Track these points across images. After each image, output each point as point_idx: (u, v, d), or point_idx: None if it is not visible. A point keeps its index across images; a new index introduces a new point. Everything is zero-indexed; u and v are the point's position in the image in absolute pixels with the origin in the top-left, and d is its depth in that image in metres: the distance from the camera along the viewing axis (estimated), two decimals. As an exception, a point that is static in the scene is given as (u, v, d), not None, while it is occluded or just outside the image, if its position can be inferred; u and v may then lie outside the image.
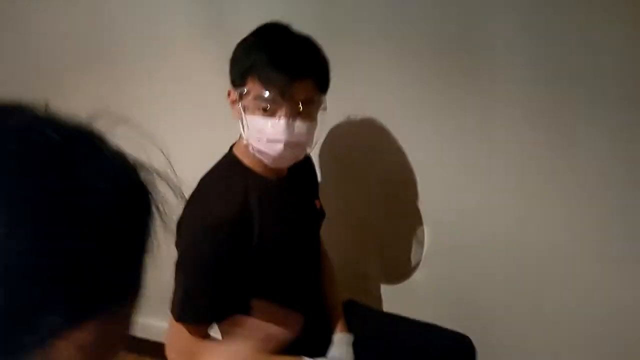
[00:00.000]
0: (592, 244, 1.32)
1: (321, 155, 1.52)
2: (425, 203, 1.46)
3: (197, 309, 1.09)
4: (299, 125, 1.07)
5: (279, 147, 1.06)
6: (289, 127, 1.05)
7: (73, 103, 0.46)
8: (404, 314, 1.41)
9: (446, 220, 1.46)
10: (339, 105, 1.42)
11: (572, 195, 1.29)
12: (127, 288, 0.44)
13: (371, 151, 1.49)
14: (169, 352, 1.13)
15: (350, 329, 1.33)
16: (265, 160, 1.12)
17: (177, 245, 1.07)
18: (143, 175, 0.44)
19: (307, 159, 1.31)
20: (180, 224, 1.07)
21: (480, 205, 1.40)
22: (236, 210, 1.08)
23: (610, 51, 1.14)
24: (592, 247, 1.33)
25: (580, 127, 1.23)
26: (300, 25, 1.13)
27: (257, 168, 1.14)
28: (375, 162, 1.50)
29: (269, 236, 1.11)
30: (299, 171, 1.24)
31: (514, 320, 1.48)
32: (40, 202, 0.37)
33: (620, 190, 1.24)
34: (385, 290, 1.63)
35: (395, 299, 1.60)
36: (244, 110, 1.07)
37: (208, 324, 1.12)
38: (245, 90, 1.06)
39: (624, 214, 1.25)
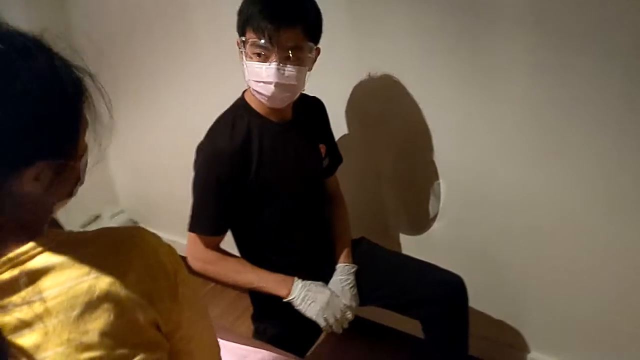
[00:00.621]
0: (602, 197, 1.37)
1: (347, 110, 1.63)
2: (442, 156, 1.55)
3: (203, 221, 1.34)
4: (289, 69, 1.22)
5: (271, 88, 1.23)
6: (279, 70, 1.21)
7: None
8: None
9: (461, 174, 1.54)
10: (361, 61, 1.53)
11: (580, 152, 1.34)
12: (62, 147, 0.67)
13: (391, 105, 1.57)
14: (189, 259, 1.35)
15: (354, 260, 1.47)
16: (263, 101, 1.28)
17: (194, 168, 1.32)
18: (78, 73, 0.68)
19: (320, 106, 1.47)
20: (197, 150, 1.31)
21: (495, 160, 1.47)
22: (237, 144, 1.28)
23: (615, 3, 1.17)
24: (602, 200, 1.37)
25: (590, 89, 1.26)
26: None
27: (261, 111, 1.32)
28: (395, 116, 1.59)
29: (265, 170, 1.31)
30: (306, 116, 1.40)
31: (522, 273, 1.56)
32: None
33: (628, 142, 1.28)
34: (403, 238, 1.75)
35: (410, 246, 1.72)
36: (245, 57, 1.24)
37: (213, 235, 1.35)
38: (244, 38, 1.22)
39: (633, 166, 1.29)
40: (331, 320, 1.32)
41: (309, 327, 1.43)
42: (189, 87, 1.98)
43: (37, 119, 0.63)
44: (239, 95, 1.38)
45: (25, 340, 0.63)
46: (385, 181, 1.71)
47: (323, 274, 1.44)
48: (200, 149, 1.32)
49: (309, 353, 1.55)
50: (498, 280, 1.62)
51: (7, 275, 0.63)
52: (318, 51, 1.31)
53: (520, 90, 1.36)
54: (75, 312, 0.64)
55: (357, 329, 1.99)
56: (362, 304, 1.52)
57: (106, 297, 0.65)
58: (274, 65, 1.20)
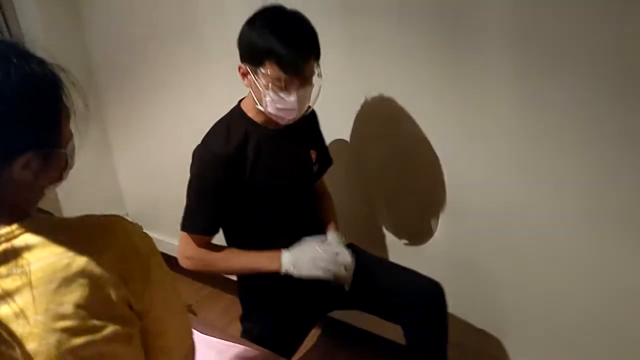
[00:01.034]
0: (586, 208, 1.40)
1: (340, 120, 1.70)
2: (430, 166, 1.60)
3: (197, 221, 1.41)
4: (305, 91, 1.31)
5: (294, 112, 1.32)
6: (300, 97, 1.30)
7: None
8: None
9: (448, 184, 1.59)
10: (356, 73, 1.61)
11: (564, 164, 1.38)
12: (47, 138, 0.75)
13: (382, 117, 1.64)
14: (179, 258, 1.45)
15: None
16: (280, 121, 1.37)
17: (190, 170, 1.40)
18: (53, 70, 0.75)
19: (312, 114, 1.53)
20: (193, 154, 1.39)
21: (481, 171, 1.52)
22: (232, 149, 1.36)
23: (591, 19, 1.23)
24: (586, 211, 1.41)
25: (572, 102, 1.31)
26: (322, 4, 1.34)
27: (258, 119, 1.40)
28: (385, 126, 1.65)
29: (259, 175, 1.39)
30: (299, 124, 1.45)
31: (505, 282, 1.61)
32: None
33: (612, 152, 1.31)
34: (390, 245, 1.80)
35: (396, 253, 1.78)
36: (262, 87, 1.29)
37: (206, 235, 1.42)
38: (264, 71, 1.27)
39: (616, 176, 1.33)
40: (331, 268, 1.35)
41: (294, 327, 1.51)
42: (197, 96, 2.06)
43: (18, 115, 0.71)
44: None
45: (6, 309, 0.69)
46: (375, 189, 1.77)
47: None
48: (196, 153, 1.40)
49: (297, 357, 1.60)
50: (480, 289, 1.66)
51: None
52: None
53: (505, 104, 1.41)
54: (53, 285, 0.71)
55: (344, 336, 2.06)
56: (345, 307, 1.60)
57: (82, 274, 0.72)
58: (294, 95, 1.29)
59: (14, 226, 0.72)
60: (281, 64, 1.25)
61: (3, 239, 0.71)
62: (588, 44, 1.24)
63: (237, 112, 1.43)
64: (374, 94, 1.60)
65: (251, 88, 1.35)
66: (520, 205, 1.49)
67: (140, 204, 2.58)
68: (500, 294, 1.64)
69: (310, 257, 1.35)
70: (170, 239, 2.51)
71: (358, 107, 1.66)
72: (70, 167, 0.82)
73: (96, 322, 0.73)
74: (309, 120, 1.54)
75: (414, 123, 1.57)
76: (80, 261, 0.72)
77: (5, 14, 2.10)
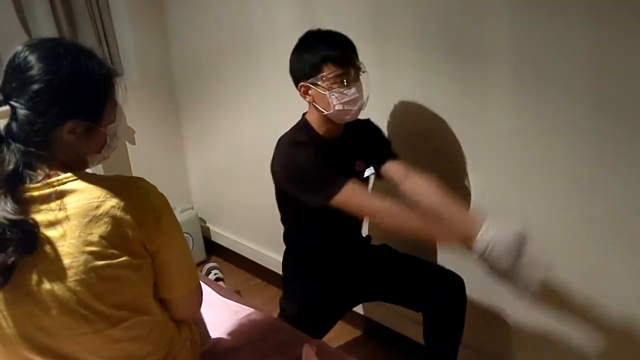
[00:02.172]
0: (575, 209, 1.50)
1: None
2: (440, 166, 1.70)
3: (329, 185, 1.44)
4: (359, 84, 1.51)
5: (358, 102, 1.50)
6: (357, 88, 1.49)
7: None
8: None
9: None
10: (381, 90, 1.79)
11: (555, 171, 1.49)
12: (89, 114, 1.01)
13: (410, 118, 1.81)
14: (378, 221, 1.53)
15: (376, 266, 1.71)
16: (347, 117, 1.51)
17: (280, 166, 1.52)
18: (108, 67, 1.05)
19: (367, 124, 1.71)
20: (271, 167, 1.55)
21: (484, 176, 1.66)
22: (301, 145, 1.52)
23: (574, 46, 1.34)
24: (575, 212, 1.51)
25: (562, 120, 1.43)
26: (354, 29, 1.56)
27: (320, 130, 1.58)
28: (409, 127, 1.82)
29: None
30: (354, 136, 1.64)
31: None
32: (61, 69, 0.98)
33: (596, 164, 1.41)
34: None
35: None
36: (325, 90, 1.47)
37: (345, 186, 1.43)
38: (324, 74, 1.46)
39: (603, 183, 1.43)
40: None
41: (327, 312, 1.71)
42: (257, 108, 2.32)
43: (74, 90, 0.99)
44: (297, 115, 1.65)
45: (52, 233, 0.95)
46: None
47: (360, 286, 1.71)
48: (280, 147, 1.54)
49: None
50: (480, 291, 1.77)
51: (46, 191, 0.96)
52: None
53: (505, 120, 1.55)
54: (85, 220, 0.96)
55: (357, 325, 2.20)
56: (373, 299, 1.81)
57: (107, 214, 0.97)
58: (353, 86, 1.48)
59: (62, 175, 0.98)
60: (336, 62, 1.46)
61: (54, 183, 0.97)
62: (576, 62, 1.36)
63: (302, 123, 1.61)
64: (398, 99, 1.79)
65: (314, 101, 1.52)
66: (515, 207, 1.60)
67: (205, 201, 2.90)
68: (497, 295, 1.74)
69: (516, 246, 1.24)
70: (229, 233, 2.81)
71: (388, 111, 1.83)
72: (111, 147, 1.08)
73: (114, 251, 0.97)
74: (365, 131, 1.69)
75: (431, 124, 1.72)
76: (106, 205, 0.97)
77: (106, 31, 2.50)
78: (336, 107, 1.48)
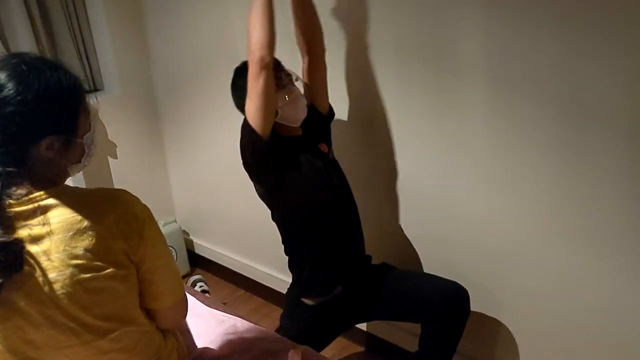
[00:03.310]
0: (549, 223, 1.56)
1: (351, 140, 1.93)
2: (418, 184, 1.81)
3: None
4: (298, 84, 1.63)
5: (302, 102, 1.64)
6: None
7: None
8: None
9: (436, 198, 1.78)
10: (357, 98, 1.84)
11: (531, 184, 1.55)
12: (65, 128, 1.00)
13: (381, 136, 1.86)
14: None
15: (377, 287, 1.73)
16: (295, 114, 1.63)
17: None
18: (75, 76, 1.03)
19: (324, 124, 1.78)
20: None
21: (463, 188, 1.71)
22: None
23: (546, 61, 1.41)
24: (550, 225, 1.57)
25: (535, 132, 1.49)
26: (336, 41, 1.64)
27: (283, 134, 1.65)
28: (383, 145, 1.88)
29: (296, 167, 1.63)
30: (309, 126, 1.71)
31: (488, 294, 1.76)
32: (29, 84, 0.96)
33: (571, 176, 1.48)
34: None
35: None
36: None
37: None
38: None
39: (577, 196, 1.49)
40: None
41: (327, 332, 1.73)
42: (238, 121, 2.25)
43: (46, 107, 0.97)
44: None
45: (37, 248, 0.95)
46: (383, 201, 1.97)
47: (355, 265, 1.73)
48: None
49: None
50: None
51: (29, 206, 0.96)
52: None
53: (480, 134, 1.61)
54: (70, 234, 0.96)
55: (359, 341, 2.22)
56: (382, 318, 1.83)
57: (91, 227, 0.98)
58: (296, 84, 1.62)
59: (44, 191, 0.98)
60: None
61: (37, 198, 0.97)
62: (544, 76, 1.43)
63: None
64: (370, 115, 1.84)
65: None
66: (495, 218, 1.67)
67: (188, 214, 2.90)
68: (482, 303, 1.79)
69: None
70: (212, 245, 2.81)
71: (369, 119, 1.89)
72: (89, 155, 1.07)
73: (100, 264, 0.98)
74: (311, 119, 1.74)
75: (408, 148, 1.80)
76: (90, 219, 0.98)
77: (86, 46, 2.50)
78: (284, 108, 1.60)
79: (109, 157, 2.57)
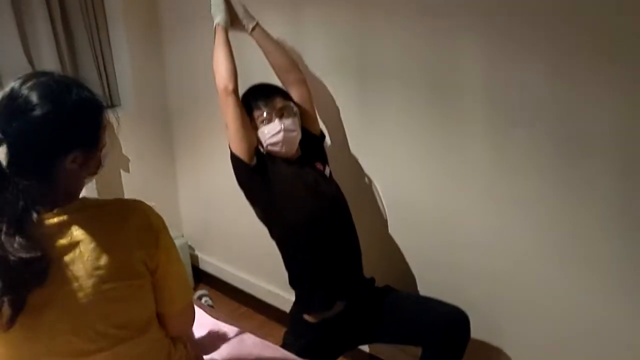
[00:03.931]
0: (546, 241, 1.62)
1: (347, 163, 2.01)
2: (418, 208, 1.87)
3: None
4: (285, 120, 1.72)
5: (280, 135, 1.72)
6: (280, 122, 1.73)
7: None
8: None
9: (436, 222, 1.84)
10: (358, 123, 1.92)
11: (527, 205, 1.62)
12: (89, 142, 1.06)
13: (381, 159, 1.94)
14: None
15: (380, 309, 1.77)
16: (278, 149, 1.72)
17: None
18: (100, 98, 1.09)
19: (318, 145, 1.89)
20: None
21: (461, 211, 1.77)
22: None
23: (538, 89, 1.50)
24: (547, 244, 1.62)
25: (528, 155, 1.56)
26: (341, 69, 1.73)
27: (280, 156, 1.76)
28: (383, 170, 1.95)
29: (283, 181, 1.73)
30: (306, 148, 1.83)
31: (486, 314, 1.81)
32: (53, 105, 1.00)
33: (566, 200, 1.55)
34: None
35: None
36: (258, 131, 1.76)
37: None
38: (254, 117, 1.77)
39: (572, 214, 1.55)
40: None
41: (330, 352, 1.77)
42: None
43: (74, 124, 1.03)
44: None
45: (61, 260, 1.00)
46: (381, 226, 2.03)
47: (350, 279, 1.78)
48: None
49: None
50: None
51: (56, 220, 1.01)
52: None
53: (478, 160, 1.69)
54: (92, 245, 1.01)
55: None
56: (377, 340, 1.87)
57: (111, 239, 1.02)
58: (276, 119, 1.72)
59: (67, 206, 1.03)
60: (256, 105, 1.77)
61: (62, 213, 1.02)
62: (537, 104, 1.51)
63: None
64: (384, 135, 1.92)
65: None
66: (493, 239, 1.72)
67: (195, 230, 2.96)
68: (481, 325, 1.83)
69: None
70: (217, 261, 2.86)
71: (373, 143, 1.96)
72: (103, 167, 1.13)
73: (120, 274, 1.03)
74: (315, 148, 1.87)
75: (408, 169, 1.87)
76: (109, 231, 1.03)
77: (106, 64, 2.60)
78: (267, 147, 1.75)
79: (121, 170, 2.65)
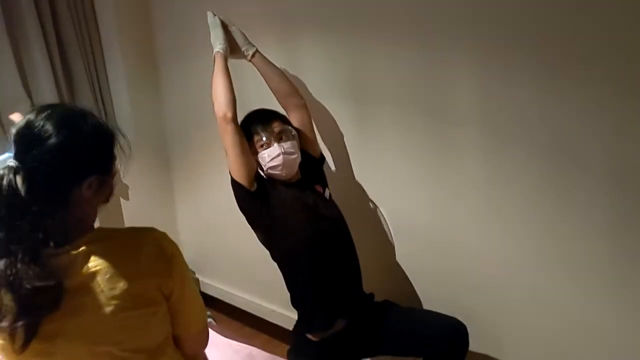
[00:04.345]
0: (528, 249, 1.69)
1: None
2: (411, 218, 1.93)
3: None
4: (284, 144, 1.77)
5: (280, 159, 1.77)
6: (279, 146, 1.78)
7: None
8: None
9: (431, 233, 1.90)
10: (356, 141, 1.98)
11: (513, 216, 1.70)
12: (104, 168, 1.10)
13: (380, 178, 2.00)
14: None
15: (379, 323, 1.82)
16: (278, 172, 1.77)
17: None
18: (112, 126, 1.13)
19: (318, 168, 1.93)
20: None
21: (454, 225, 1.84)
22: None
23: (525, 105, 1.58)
24: (528, 250, 1.69)
25: (515, 170, 1.65)
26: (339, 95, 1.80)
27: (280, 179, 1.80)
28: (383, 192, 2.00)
29: (283, 204, 1.77)
30: (306, 171, 1.87)
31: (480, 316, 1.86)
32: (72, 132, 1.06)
33: (550, 208, 1.63)
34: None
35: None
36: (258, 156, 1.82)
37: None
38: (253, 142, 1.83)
39: (555, 224, 1.63)
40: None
41: None
42: None
43: (91, 152, 1.07)
44: None
45: (78, 292, 1.02)
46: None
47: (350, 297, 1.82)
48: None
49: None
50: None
51: (73, 253, 1.04)
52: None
53: (472, 176, 1.76)
54: (107, 276, 1.04)
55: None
56: (379, 353, 1.87)
57: (126, 269, 1.05)
58: (275, 144, 1.78)
59: (85, 237, 1.06)
60: (254, 131, 1.84)
61: (80, 245, 1.05)
62: (528, 124, 1.59)
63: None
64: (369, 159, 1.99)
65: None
66: (482, 246, 1.80)
67: (195, 253, 2.99)
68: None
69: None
70: (218, 283, 2.89)
71: (368, 164, 2.02)
72: (112, 195, 1.16)
73: (135, 302, 1.06)
74: (315, 171, 1.92)
75: (405, 188, 1.94)
76: (124, 261, 1.06)
77: (102, 93, 2.65)
78: (267, 171, 1.80)
79: (121, 198, 2.68)
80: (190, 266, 2.97)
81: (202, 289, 2.98)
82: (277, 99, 1.95)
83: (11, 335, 0.98)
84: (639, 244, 1.48)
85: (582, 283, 1.61)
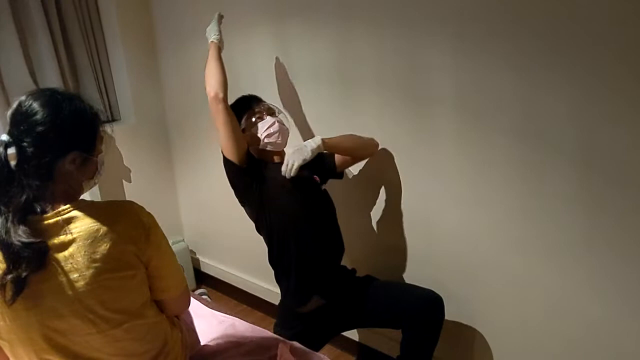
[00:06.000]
0: (513, 236, 1.76)
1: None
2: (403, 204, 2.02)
3: None
4: (276, 117, 1.94)
5: (276, 125, 1.91)
6: (273, 117, 1.92)
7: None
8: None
9: (425, 222, 1.99)
10: (339, 120, 2.08)
11: (497, 204, 1.77)
12: (86, 146, 1.19)
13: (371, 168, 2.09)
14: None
15: (361, 296, 1.91)
16: (274, 140, 1.88)
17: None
18: (96, 108, 1.22)
19: (329, 174, 2.01)
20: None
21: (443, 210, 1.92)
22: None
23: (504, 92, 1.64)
24: (512, 237, 1.76)
25: (499, 161, 1.70)
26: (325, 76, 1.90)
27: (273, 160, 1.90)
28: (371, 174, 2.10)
29: (273, 181, 1.85)
30: (313, 168, 1.91)
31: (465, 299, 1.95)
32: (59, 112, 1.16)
33: (528, 199, 1.69)
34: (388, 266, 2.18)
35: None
36: (253, 127, 1.93)
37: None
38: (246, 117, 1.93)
39: (536, 216, 1.69)
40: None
41: (316, 339, 1.90)
42: None
43: (73, 128, 1.17)
44: None
45: (62, 254, 1.13)
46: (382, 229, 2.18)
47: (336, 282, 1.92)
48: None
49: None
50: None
51: (57, 219, 1.12)
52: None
53: (449, 157, 1.83)
54: (89, 241, 1.14)
55: (351, 351, 2.39)
56: (367, 326, 1.99)
57: (106, 235, 1.16)
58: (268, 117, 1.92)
59: (67, 205, 1.15)
60: (250, 107, 1.97)
61: (61, 212, 1.14)
62: (504, 106, 1.65)
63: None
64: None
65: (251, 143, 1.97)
66: (469, 230, 1.87)
67: (195, 234, 3.12)
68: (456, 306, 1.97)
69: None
70: (217, 263, 3.01)
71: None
72: (99, 174, 1.28)
73: (114, 265, 1.16)
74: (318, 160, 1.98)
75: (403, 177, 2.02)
76: (105, 227, 1.16)
77: (105, 82, 2.78)
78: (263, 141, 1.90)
79: (123, 180, 2.81)
80: (191, 247, 3.10)
81: (202, 269, 3.11)
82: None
83: (1, 287, 1.11)
84: (614, 227, 1.54)
85: (559, 263, 1.68)
